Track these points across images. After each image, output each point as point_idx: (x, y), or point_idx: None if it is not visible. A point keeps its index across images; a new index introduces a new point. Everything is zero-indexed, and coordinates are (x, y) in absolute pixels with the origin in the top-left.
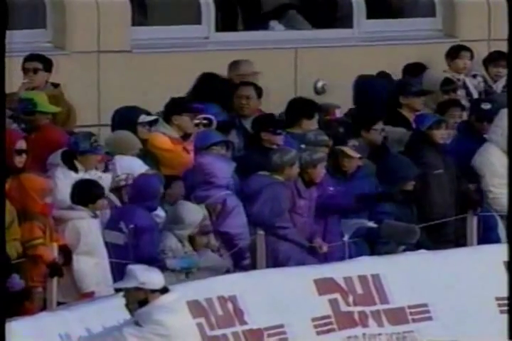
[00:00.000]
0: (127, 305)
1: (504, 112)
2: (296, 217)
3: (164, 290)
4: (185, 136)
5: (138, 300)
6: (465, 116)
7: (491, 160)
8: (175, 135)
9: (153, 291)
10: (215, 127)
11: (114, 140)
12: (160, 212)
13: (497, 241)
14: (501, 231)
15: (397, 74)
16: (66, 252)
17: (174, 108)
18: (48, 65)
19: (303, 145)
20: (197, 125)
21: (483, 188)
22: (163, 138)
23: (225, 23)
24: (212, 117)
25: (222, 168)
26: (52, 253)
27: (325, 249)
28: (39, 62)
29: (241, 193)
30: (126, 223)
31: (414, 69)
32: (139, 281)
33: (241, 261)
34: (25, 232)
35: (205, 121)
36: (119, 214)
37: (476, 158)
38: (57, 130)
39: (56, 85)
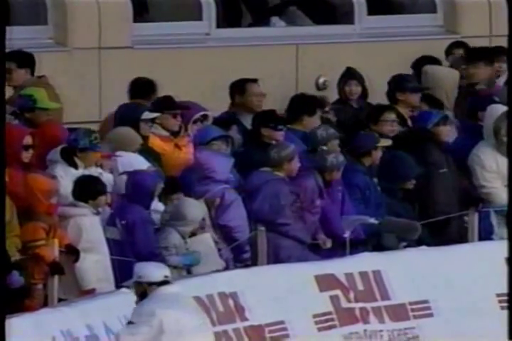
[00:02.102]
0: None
1: (490, 109)
2: (308, 216)
3: (163, 283)
4: (177, 133)
5: (138, 294)
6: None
7: (480, 156)
8: (165, 133)
9: (151, 284)
10: (211, 122)
11: (115, 136)
12: (159, 207)
13: (490, 229)
14: (494, 219)
15: (397, 70)
16: (74, 250)
17: (154, 107)
18: (23, 61)
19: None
20: (195, 121)
21: (475, 184)
22: (154, 139)
23: (227, 19)
24: (208, 113)
25: (220, 162)
26: (53, 253)
27: (329, 244)
28: (12, 61)
29: (242, 189)
30: (120, 219)
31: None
32: (137, 275)
33: (240, 254)
34: (28, 232)
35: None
36: (115, 211)
37: (469, 158)
38: (58, 126)
39: (40, 77)
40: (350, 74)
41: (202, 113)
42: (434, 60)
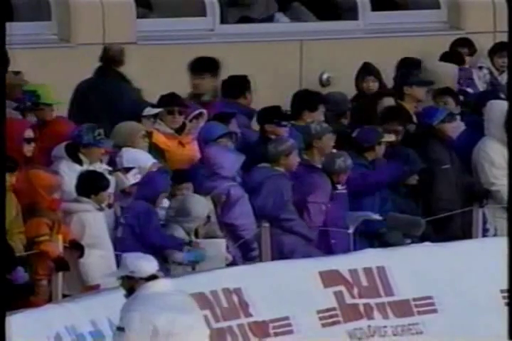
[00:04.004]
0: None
1: (491, 104)
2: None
3: (151, 278)
4: (181, 130)
5: (127, 288)
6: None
7: (489, 153)
8: (169, 130)
9: (141, 279)
10: (205, 119)
11: (119, 130)
12: (164, 203)
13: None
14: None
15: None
16: (78, 246)
17: (158, 105)
18: None
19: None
20: (191, 120)
21: (483, 181)
22: (158, 136)
23: (230, 14)
24: (203, 110)
25: (229, 159)
26: (57, 248)
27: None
28: None
29: (244, 186)
30: (125, 215)
31: (410, 64)
32: (129, 270)
33: (248, 252)
34: (32, 228)
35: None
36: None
37: (474, 153)
38: (65, 122)
39: (16, 73)
40: (366, 70)
41: (198, 111)
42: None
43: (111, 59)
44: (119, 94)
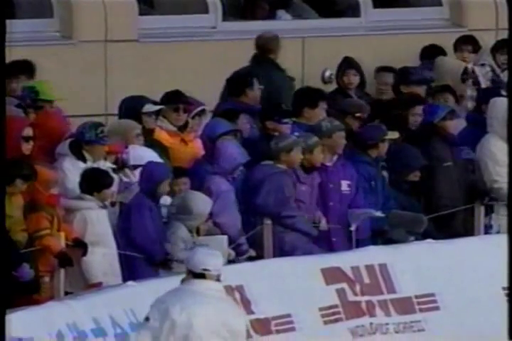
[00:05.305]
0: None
1: (495, 101)
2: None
3: (199, 276)
4: (183, 127)
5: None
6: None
7: (492, 150)
8: (172, 128)
9: (190, 272)
10: (208, 116)
11: (113, 128)
12: (166, 201)
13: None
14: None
15: (402, 64)
16: (81, 244)
17: (161, 102)
18: None
19: (296, 133)
20: (193, 116)
21: (486, 179)
22: (160, 133)
23: (232, 12)
24: (205, 107)
25: (225, 156)
26: (59, 243)
27: (324, 223)
28: None
29: (246, 183)
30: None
31: (431, 53)
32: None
33: (238, 247)
34: (32, 223)
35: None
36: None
37: (477, 150)
38: (58, 117)
39: None
40: (347, 64)
41: (201, 107)
42: (440, 50)
43: (262, 47)
44: (270, 83)
